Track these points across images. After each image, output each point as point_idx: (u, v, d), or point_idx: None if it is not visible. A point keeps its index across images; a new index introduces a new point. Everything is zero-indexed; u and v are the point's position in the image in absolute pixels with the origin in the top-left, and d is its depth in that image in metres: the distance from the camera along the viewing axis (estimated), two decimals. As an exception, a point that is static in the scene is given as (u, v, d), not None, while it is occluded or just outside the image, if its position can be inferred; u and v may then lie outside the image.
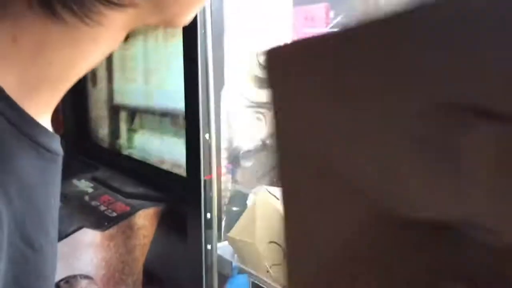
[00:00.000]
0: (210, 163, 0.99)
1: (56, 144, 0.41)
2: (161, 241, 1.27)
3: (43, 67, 0.38)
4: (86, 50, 0.39)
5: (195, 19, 0.93)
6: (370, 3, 1.49)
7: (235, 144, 1.17)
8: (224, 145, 1.13)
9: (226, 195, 1.16)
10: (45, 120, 0.41)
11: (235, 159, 1.17)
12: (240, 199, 1.16)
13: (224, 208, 1.13)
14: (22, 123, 0.38)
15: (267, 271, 0.88)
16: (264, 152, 1.21)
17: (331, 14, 1.50)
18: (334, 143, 0.21)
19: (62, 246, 1.15)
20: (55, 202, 0.44)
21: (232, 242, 0.96)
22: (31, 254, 0.39)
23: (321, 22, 1.50)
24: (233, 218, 1.10)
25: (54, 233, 0.43)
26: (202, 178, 0.97)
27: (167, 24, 0.46)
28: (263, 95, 1.20)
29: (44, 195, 0.42)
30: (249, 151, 1.16)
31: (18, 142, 0.38)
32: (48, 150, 0.41)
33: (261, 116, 1.19)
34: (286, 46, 0.23)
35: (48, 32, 0.37)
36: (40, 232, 0.40)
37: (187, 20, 0.47)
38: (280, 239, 0.86)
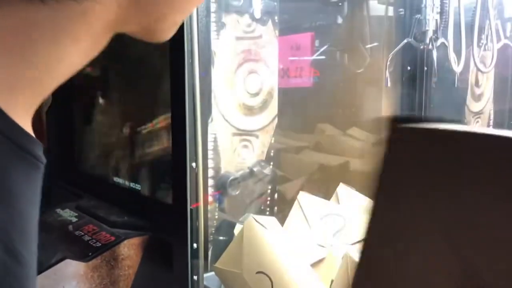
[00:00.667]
0: (196, 191, 0.98)
1: (39, 150, 0.40)
2: (146, 271, 1.24)
3: (22, 67, 0.38)
4: (66, 50, 0.39)
5: (182, 47, 0.94)
6: (355, 32, 1.51)
7: (221, 172, 1.16)
8: (210, 173, 1.12)
9: (213, 224, 1.15)
10: (25, 126, 0.40)
11: (222, 188, 1.16)
12: (227, 228, 1.15)
13: (210, 237, 1.12)
14: (4, 125, 0.37)
15: (255, 302, 0.86)
16: (251, 180, 1.20)
17: (317, 43, 1.52)
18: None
19: (44, 278, 1.12)
20: (36, 213, 0.43)
21: (219, 272, 0.94)
22: (13, 266, 0.37)
23: (306, 51, 1.52)
24: (220, 248, 1.08)
25: (35, 247, 0.42)
26: (189, 207, 0.96)
27: (148, 34, 0.47)
28: (250, 122, 1.20)
29: (28, 204, 0.41)
30: (236, 179, 1.15)
31: (0, 146, 0.37)
32: (32, 155, 0.40)
33: (248, 144, 1.18)
34: (416, 129, 0.25)
35: (31, 24, 0.37)
36: (25, 244, 0.39)
37: (169, 32, 0.48)
38: (268, 269, 0.84)
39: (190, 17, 0.90)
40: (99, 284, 1.24)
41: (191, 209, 0.97)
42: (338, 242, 0.97)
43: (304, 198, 1.05)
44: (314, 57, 1.52)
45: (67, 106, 1.63)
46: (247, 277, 0.87)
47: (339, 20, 1.54)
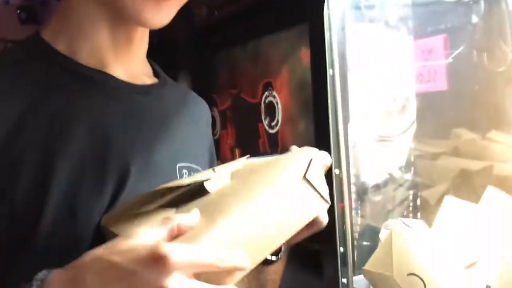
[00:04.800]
0: (342, 198, 1.01)
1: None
2: (291, 276, 1.29)
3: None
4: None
5: (323, 59, 0.98)
6: (493, 30, 1.45)
7: (362, 178, 1.18)
8: (351, 180, 1.15)
9: (356, 229, 1.17)
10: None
11: (363, 193, 1.18)
12: (370, 233, 1.17)
13: (355, 243, 1.14)
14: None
15: (408, 304, 0.87)
16: (392, 186, 1.21)
17: (450, 44, 1.48)
18: None
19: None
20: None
21: (369, 275, 0.96)
22: None
23: (439, 54, 1.49)
24: (364, 253, 1.10)
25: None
26: (336, 212, 1.00)
27: (120, 12, 0.60)
28: (388, 128, 1.21)
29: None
30: (377, 185, 1.17)
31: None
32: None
33: (387, 149, 1.20)
34: None
35: None
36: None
37: (141, 10, 0.59)
38: (419, 271, 0.85)
39: (330, 30, 0.95)
40: (249, 287, 1.32)
41: (338, 215, 1.00)
42: (491, 245, 0.94)
43: (451, 202, 1.03)
44: (449, 59, 1.48)
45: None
46: (398, 279, 0.88)
47: (474, 20, 1.48)
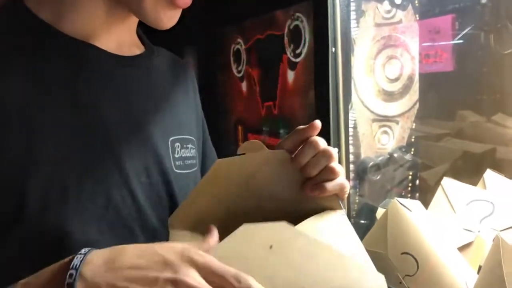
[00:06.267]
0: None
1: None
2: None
3: None
4: None
5: (326, 37, 0.98)
6: (501, 11, 1.43)
7: (362, 158, 1.19)
8: (351, 159, 1.15)
9: (354, 208, 1.18)
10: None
11: (362, 173, 1.19)
12: (367, 212, 1.18)
13: (352, 221, 1.15)
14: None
15: (400, 282, 0.88)
16: (391, 166, 1.21)
17: (458, 25, 1.46)
18: None
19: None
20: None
21: (363, 253, 0.97)
22: None
23: (447, 34, 1.47)
24: (361, 231, 1.11)
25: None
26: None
27: (135, 13, 0.61)
28: (390, 108, 1.21)
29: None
30: (376, 164, 1.17)
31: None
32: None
33: (388, 129, 1.19)
34: None
35: None
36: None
37: (155, 14, 0.59)
38: (413, 250, 0.85)
39: (333, 7, 0.94)
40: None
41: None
42: (486, 227, 0.94)
43: (449, 184, 1.04)
44: (455, 40, 1.47)
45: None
46: (392, 258, 0.88)
47: (483, 0, 1.46)
